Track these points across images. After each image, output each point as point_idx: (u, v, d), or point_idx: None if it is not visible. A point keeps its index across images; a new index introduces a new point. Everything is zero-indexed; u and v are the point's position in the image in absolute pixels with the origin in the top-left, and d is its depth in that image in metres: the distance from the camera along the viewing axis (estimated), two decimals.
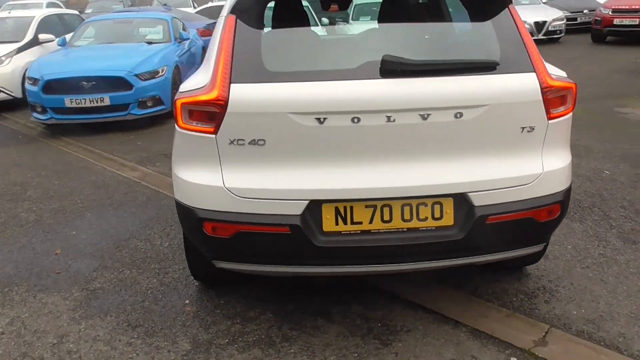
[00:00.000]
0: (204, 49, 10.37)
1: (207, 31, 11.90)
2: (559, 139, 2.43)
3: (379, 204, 2.26)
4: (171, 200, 4.58)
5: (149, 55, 7.15)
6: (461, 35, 2.38)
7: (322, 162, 2.23)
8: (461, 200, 2.27)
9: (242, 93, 2.19)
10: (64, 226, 4.03)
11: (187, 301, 2.96)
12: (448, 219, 2.29)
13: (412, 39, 2.41)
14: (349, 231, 2.27)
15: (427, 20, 2.52)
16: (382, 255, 2.30)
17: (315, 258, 2.30)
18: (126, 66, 6.73)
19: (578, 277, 3.11)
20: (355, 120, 2.15)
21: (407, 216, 2.27)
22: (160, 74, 6.99)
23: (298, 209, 2.23)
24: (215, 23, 11.20)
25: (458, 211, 2.28)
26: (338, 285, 3.02)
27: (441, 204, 2.28)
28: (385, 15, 2.86)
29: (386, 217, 2.27)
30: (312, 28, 2.70)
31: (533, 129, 2.30)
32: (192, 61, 8.88)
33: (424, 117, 2.16)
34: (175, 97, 2.40)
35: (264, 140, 2.21)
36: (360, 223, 2.27)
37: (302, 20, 2.82)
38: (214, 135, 2.26)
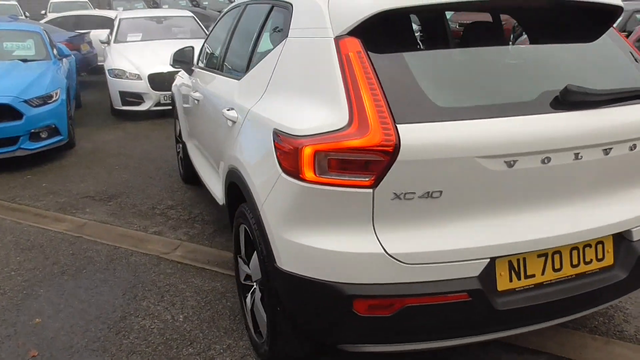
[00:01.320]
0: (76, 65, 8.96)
1: (70, 45, 10.36)
2: None
3: (549, 251, 1.99)
4: (144, 258, 3.72)
5: (36, 76, 5.88)
6: (597, 57, 2.23)
7: (502, 212, 1.89)
8: (619, 237, 2.12)
9: (414, 136, 1.74)
10: (16, 313, 2.99)
11: None
12: (609, 259, 2.11)
13: (563, 62, 2.18)
14: (523, 287, 1.96)
15: (553, 41, 2.31)
16: (556, 308, 2.03)
17: (494, 323, 1.94)
18: (11, 90, 5.44)
19: None
20: (546, 160, 1.85)
21: (575, 261, 2.04)
22: (54, 98, 5.79)
23: (476, 269, 1.86)
24: (79, 35, 9.63)
25: (617, 249, 2.12)
26: None
27: (603, 243, 2.09)
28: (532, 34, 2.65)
29: (557, 266, 2.01)
30: (468, 49, 2.33)
31: None
32: (71, 82, 7.59)
33: (606, 152, 1.96)
34: (301, 144, 1.84)
35: (440, 192, 1.79)
36: (533, 276, 1.98)
37: (445, 38, 2.43)
38: (370, 190, 1.77)
